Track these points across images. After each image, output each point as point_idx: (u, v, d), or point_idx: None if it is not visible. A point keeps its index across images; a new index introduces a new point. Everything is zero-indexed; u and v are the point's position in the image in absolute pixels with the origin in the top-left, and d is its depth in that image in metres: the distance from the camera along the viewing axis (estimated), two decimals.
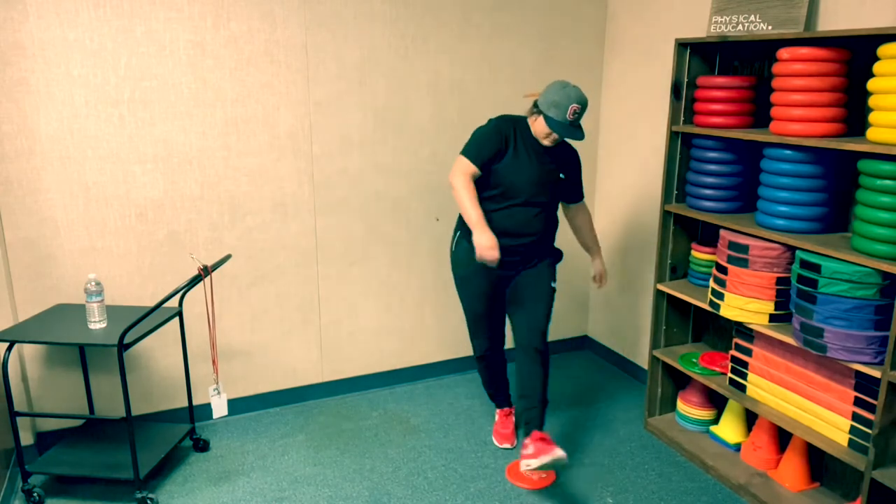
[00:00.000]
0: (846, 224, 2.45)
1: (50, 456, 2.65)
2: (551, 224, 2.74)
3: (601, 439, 3.05)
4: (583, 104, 2.50)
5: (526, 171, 2.60)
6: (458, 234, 2.77)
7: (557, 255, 2.82)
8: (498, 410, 3.07)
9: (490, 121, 2.66)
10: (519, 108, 3.41)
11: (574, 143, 3.53)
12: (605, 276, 2.91)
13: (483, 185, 2.63)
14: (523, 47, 3.41)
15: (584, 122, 3.66)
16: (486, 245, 2.49)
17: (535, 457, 2.49)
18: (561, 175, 2.67)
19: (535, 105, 2.57)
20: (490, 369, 2.95)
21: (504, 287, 2.78)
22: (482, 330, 2.84)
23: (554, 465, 2.47)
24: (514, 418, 3.07)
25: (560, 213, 3.03)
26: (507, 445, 2.98)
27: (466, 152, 2.60)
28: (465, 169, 2.58)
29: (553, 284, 2.75)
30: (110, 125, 2.75)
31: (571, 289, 3.87)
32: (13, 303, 2.74)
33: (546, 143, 2.59)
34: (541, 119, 2.54)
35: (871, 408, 2.16)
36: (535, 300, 2.71)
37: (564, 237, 3.42)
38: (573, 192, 2.81)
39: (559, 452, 2.46)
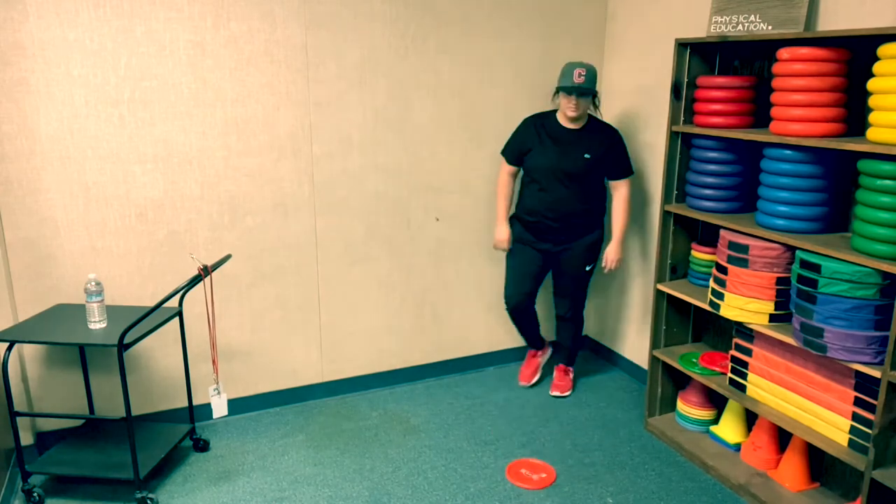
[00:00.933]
0: (846, 224, 2.45)
1: (50, 456, 2.65)
2: (586, 205, 3.09)
3: (601, 439, 3.05)
4: (587, 67, 2.89)
5: (546, 158, 3.02)
6: (514, 212, 3.30)
7: (596, 237, 3.19)
8: (528, 352, 3.58)
9: (522, 121, 3.17)
10: (519, 107, 3.43)
11: None
12: (611, 259, 3.21)
13: (524, 172, 3.17)
14: (523, 47, 3.41)
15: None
16: (497, 238, 3.27)
17: (554, 388, 3.42)
18: (586, 156, 3.00)
19: (555, 90, 3.00)
20: (516, 318, 3.38)
21: (544, 261, 3.23)
22: (512, 288, 3.28)
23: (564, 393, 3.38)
24: (537, 360, 3.54)
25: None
26: (524, 383, 3.50)
27: (503, 152, 3.21)
28: (505, 169, 3.21)
29: (588, 268, 3.22)
30: (110, 125, 2.75)
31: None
32: (13, 303, 2.74)
33: (571, 114, 2.96)
34: (560, 96, 2.96)
35: (871, 408, 2.16)
36: (569, 283, 3.26)
37: None
38: (612, 169, 3.12)
39: (559, 393, 3.38)
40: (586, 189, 3.07)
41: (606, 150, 3.05)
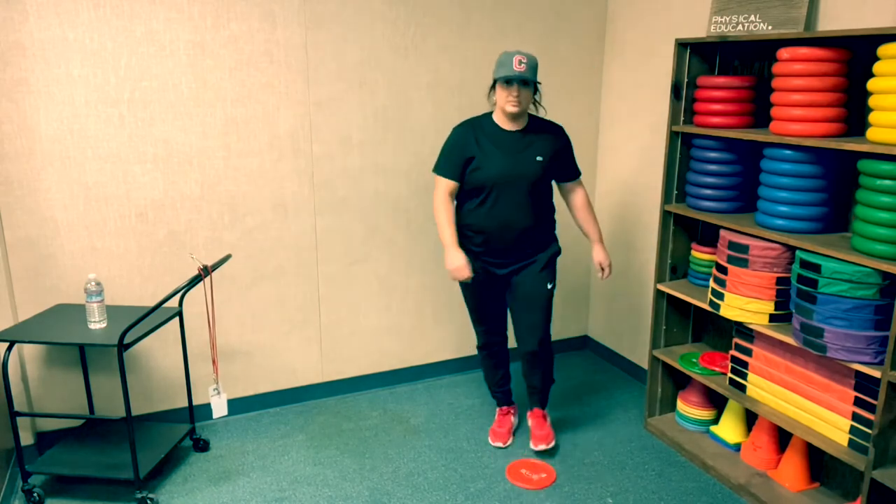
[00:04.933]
0: (846, 224, 2.45)
1: (50, 456, 2.65)
2: (541, 213, 2.69)
3: (601, 439, 3.05)
4: (527, 55, 2.49)
5: (496, 165, 2.58)
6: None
7: (554, 249, 2.77)
8: (497, 409, 3.10)
9: (453, 130, 2.69)
10: None
11: (572, 140, 3.53)
12: (605, 264, 2.80)
13: (463, 191, 2.67)
14: (523, 47, 3.41)
15: (583, 121, 3.66)
16: (455, 266, 2.62)
17: (536, 441, 2.90)
18: (538, 158, 2.62)
19: (492, 86, 2.62)
20: (490, 360, 2.99)
21: (504, 287, 2.81)
22: (482, 325, 2.91)
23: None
24: (511, 418, 3.08)
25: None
26: (500, 444, 2.98)
27: (437, 169, 2.68)
28: (442, 187, 2.66)
29: (549, 286, 2.75)
30: (110, 125, 2.76)
31: (571, 289, 3.87)
32: (13, 303, 2.74)
33: (512, 109, 2.53)
34: (498, 90, 2.56)
35: (871, 408, 2.16)
36: (532, 308, 2.74)
37: (564, 227, 3.41)
38: (562, 171, 2.74)
39: (545, 446, 2.88)
40: (539, 197, 2.66)
41: (557, 150, 2.67)
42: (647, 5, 3.30)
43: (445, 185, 2.65)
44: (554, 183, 2.81)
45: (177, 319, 2.97)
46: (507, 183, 2.59)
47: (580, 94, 3.61)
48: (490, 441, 3.01)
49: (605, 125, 3.68)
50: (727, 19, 2.72)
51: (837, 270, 2.13)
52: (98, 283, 2.50)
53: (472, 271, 2.67)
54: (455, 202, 2.74)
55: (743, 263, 2.48)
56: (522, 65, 2.47)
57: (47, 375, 2.88)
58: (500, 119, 2.62)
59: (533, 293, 2.73)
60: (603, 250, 2.82)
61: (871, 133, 2.08)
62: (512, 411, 3.10)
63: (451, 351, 3.67)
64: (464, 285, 2.81)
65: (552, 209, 2.76)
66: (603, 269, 2.82)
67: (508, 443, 3.00)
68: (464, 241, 2.71)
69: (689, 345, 3.12)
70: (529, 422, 2.98)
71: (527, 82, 2.52)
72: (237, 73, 2.90)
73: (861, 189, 2.14)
